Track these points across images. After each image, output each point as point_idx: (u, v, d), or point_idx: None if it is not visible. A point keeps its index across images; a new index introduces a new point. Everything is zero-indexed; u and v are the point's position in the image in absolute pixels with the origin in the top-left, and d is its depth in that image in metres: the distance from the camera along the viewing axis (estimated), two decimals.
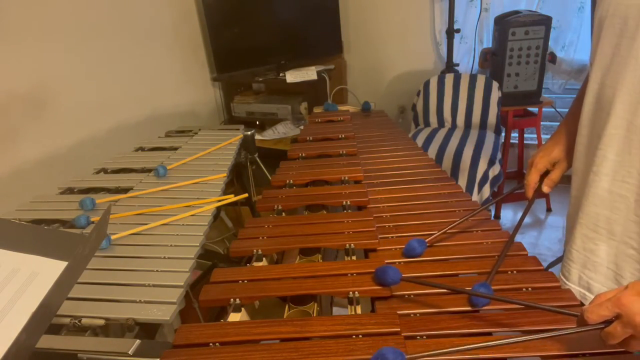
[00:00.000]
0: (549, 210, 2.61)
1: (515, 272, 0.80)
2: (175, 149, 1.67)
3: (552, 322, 0.66)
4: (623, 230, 0.77)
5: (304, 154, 1.42)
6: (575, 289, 0.86)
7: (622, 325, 0.53)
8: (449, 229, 0.91)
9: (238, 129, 1.83)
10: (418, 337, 0.67)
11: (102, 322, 0.81)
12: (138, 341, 0.73)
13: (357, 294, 0.76)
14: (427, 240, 0.88)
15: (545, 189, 0.91)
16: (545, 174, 0.93)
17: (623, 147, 0.74)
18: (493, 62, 2.45)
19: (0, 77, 1.58)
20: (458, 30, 2.52)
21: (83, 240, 0.57)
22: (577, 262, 0.86)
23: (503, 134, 2.51)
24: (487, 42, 2.62)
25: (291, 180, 1.22)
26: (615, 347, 0.56)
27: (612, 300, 0.54)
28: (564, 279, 0.89)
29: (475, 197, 2.08)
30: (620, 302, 0.53)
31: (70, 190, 1.38)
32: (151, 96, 2.29)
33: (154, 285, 0.91)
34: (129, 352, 0.71)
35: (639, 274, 0.76)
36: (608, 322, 0.55)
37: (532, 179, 0.91)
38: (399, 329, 0.67)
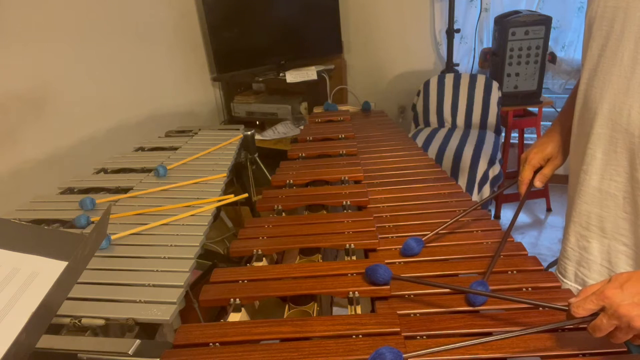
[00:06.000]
0: (549, 210, 2.61)
1: (515, 272, 0.80)
2: (175, 149, 1.67)
3: (554, 321, 0.66)
4: (613, 227, 0.79)
5: (304, 154, 1.42)
6: (572, 286, 0.87)
7: (607, 317, 0.54)
8: (445, 228, 0.91)
9: (238, 129, 1.83)
10: (418, 337, 0.67)
11: (102, 322, 0.81)
12: (138, 341, 0.73)
13: (357, 294, 0.76)
14: (423, 239, 0.88)
15: (538, 184, 0.92)
16: (539, 170, 0.94)
17: (609, 146, 0.75)
18: (493, 62, 2.45)
19: (0, 77, 1.58)
20: (458, 30, 2.52)
21: (83, 240, 0.57)
22: (573, 259, 0.87)
23: (503, 134, 2.51)
24: (487, 42, 2.62)
25: (291, 180, 1.22)
26: (604, 340, 0.57)
27: (596, 293, 0.55)
28: (560, 276, 0.90)
29: (475, 197, 2.08)
30: (604, 295, 0.54)
31: (70, 190, 1.38)
32: (151, 96, 2.29)
33: (154, 285, 0.91)
34: (129, 352, 0.71)
35: (632, 270, 0.77)
36: (595, 315, 0.56)
37: (526, 175, 0.92)
38: (399, 329, 0.67)
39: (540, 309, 0.69)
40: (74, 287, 0.63)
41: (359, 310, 0.74)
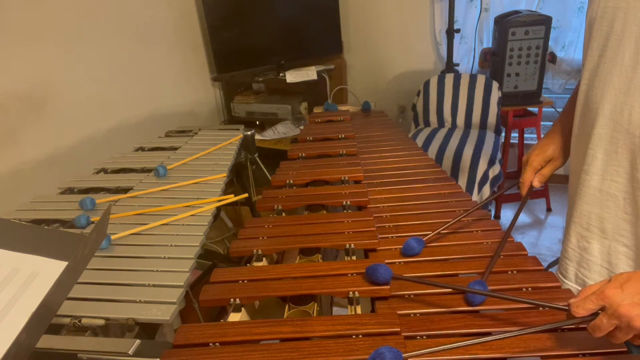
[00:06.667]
0: (549, 210, 2.61)
1: (515, 272, 0.80)
2: (175, 149, 1.67)
3: (553, 321, 0.66)
4: (614, 228, 0.79)
5: (304, 154, 1.42)
6: (573, 286, 0.87)
7: (607, 317, 0.54)
8: (445, 228, 0.91)
9: (238, 129, 1.83)
10: (418, 337, 0.67)
11: (102, 322, 0.81)
12: (138, 341, 0.73)
13: (357, 294, 0.76)
14: (424, 238, 0.88)
15: (536, 183, 0.92)
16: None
17: (610, 147, 0.75)
18: (493, 62, 2.45)
19: (0, 77, 1.58)
20: (458, 30, 2.52)
21: (83, 240, 0.57)
22: (573, 260, 0.87)
23: (503, 134, 2.51)
24: (487, 42, 2.62)
25: (291, 180, 1.22)
26: (604, 340, 0.57)
27: (596, 293, 0.55)
28: (561, 277, 0.90)
29: (475, 197, 2.08)
30: (605, 295, 0.54)
31: (70, 190, 1.38)
32: (151, 96, 2.29)
33: (154, 285, 0.91)
34: (129, 352, 0.71)
35: (632, 270, 0.77)
36: (594, 315, 0.56)
37: (528, 177, 0.92)
38: (399, 329, 0.67)
39: (540, 309, 0.69)
40: (74, 287, 0.63)
41: (359, 310, 0.74)
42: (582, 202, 0.82)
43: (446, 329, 0.68)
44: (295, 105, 2.63)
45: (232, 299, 0.77)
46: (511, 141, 2.56)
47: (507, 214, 2.56)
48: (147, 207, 1.22)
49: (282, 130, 2.60)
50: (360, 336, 0.66)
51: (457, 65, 2.59)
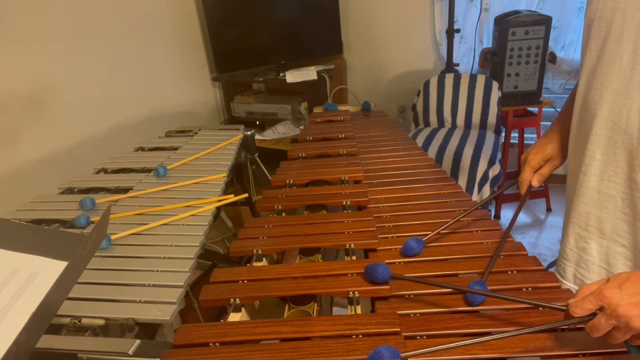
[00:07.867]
0: (549, 210, 2.61)
1: (515, 272, 0.80)
2: (175, 149, 1.67)
3: (553, 321, 0.66)
4: (612, 229, 0.79)
5: (304, 154, 1.42)
6: (571, 286, 0.87)
7: (605, 317, 0.54)
8: (445, 228, 0.91)
9: (238, 129, 1.83)
10: (418, 337, 0.67)
11: (102, 322, 0.81)
12: (138, 341, 0.73)
13: (357, 294, 0.76)
14: (424, 239, 0.88)
15: (535, 183, 0.92)
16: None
17: (608, 147, 0.75)
18: (493, 62, 2.45)
19: (0, 77, 1.58)
20: (458, 30, 2.52)
21: (83, 240, 0.57)
22: (571, 260, 0.87)
23: (503, 134, 2.51)
24: (487, 42, 2.62)
25: (291, 180, 1.22)
26: (603, 340, 0.57)
27: (594, 293, 0.55)
28: (559, 277, 0.90)
29: (475, 197, 2.08)
30: (603, 295, 0.54)
31: (70, 190, 1.38)
32: (151, 96, 2.29)
33: (154, 285, 0.91)
34: (129, 352, 0.71)
35: (630, 271, 0.77)
36: (593, 315, 0.56)
37: (526, 176, 0.92)
38: (399, 329, 0.67)
39: (540, 309, 0.69)
40: (74, 287, 0.63)
41: (359, 310, 0.74)
42: (580, 203, 0.82)
43: (446, 329, 0.68)
44: (295, 105, 2.63)
45: (232, 299, 0.77)
46: (511, 141, 2.56)
47: (507, 214, 2.56)
48: (147, 207, 1.22)
49: (282, 130, 2.60)
50: (360, 336, 0.66)
51: (457, 65, 2.59)
